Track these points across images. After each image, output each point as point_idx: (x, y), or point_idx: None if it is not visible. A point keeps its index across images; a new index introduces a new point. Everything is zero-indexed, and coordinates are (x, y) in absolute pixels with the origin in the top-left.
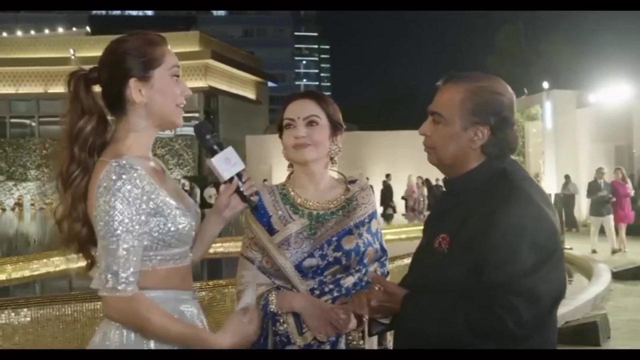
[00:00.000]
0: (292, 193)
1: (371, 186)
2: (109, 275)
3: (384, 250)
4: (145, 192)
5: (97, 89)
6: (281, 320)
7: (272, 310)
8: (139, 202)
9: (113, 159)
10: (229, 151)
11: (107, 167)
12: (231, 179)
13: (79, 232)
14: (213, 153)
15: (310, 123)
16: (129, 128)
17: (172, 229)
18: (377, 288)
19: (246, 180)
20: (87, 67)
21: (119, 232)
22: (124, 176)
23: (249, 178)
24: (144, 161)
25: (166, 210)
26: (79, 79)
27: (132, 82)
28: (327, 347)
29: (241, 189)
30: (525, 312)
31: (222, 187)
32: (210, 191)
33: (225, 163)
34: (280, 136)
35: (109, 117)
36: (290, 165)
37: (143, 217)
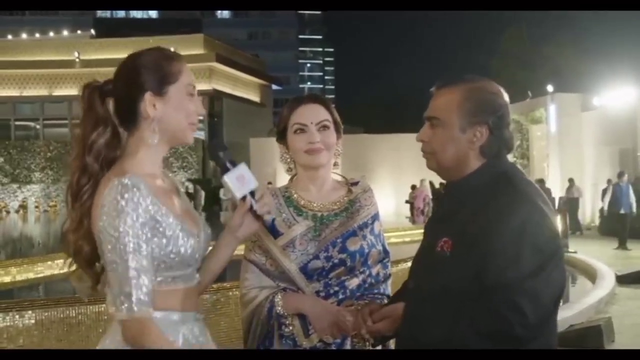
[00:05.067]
0: (295, 195)
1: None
2: (122, 298)
3: (386, 252)
4: (147, 211)
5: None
6: (287, 323)
7: (278, 312)
8: (142, 222)
9: (116, 177)
10: (242, 168)
11: (110, 185)
12: (244, 198)
13: (82, 247)
14: (225, 170)
15: (323, 128)
16: (140, 143)
17: (174, 250)
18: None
19: (259, 198)
20: (88, 70)
21: (127, 253)
22: (126, 195)
23: (263, 196)
24: (150, 179)
25: (168, 232)
26: (94, 91)
27: (147, 96)
28: (333, 349)
29: (254, 208)
30: (531, 313)
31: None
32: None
33: (238, 181)
34: (279, 140)
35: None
36: (290, 169)
37: (149, 236)
